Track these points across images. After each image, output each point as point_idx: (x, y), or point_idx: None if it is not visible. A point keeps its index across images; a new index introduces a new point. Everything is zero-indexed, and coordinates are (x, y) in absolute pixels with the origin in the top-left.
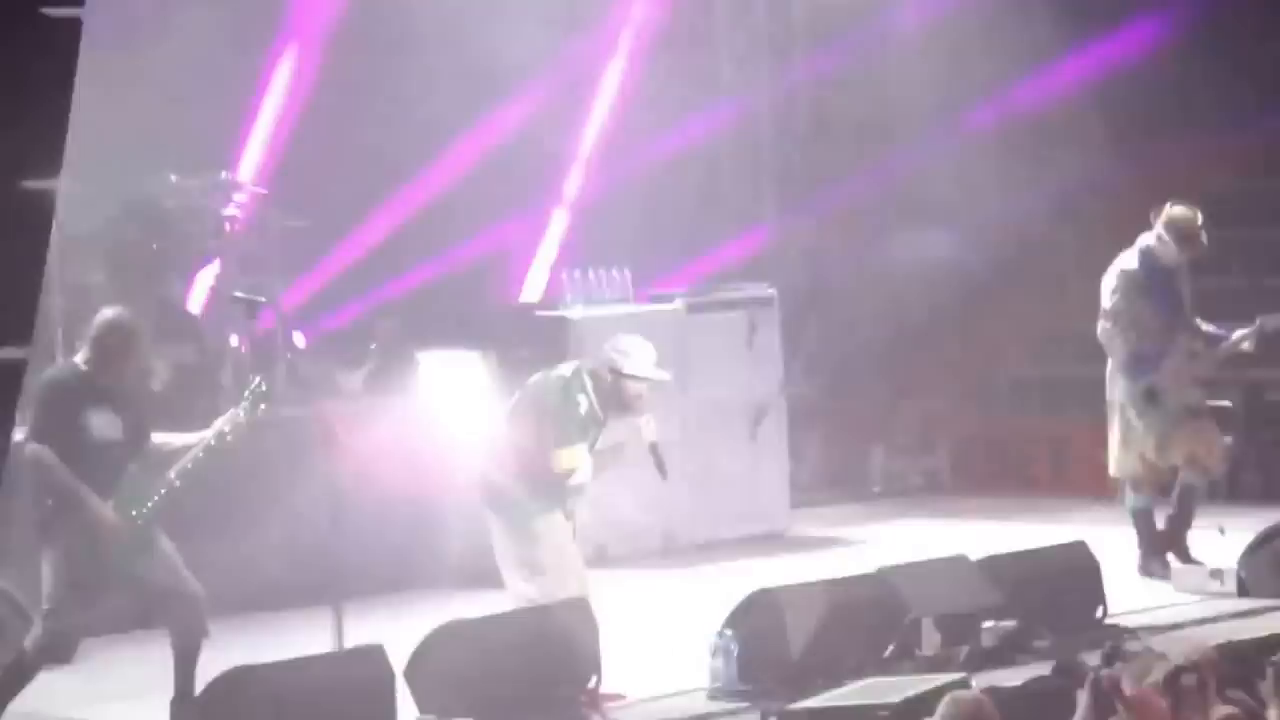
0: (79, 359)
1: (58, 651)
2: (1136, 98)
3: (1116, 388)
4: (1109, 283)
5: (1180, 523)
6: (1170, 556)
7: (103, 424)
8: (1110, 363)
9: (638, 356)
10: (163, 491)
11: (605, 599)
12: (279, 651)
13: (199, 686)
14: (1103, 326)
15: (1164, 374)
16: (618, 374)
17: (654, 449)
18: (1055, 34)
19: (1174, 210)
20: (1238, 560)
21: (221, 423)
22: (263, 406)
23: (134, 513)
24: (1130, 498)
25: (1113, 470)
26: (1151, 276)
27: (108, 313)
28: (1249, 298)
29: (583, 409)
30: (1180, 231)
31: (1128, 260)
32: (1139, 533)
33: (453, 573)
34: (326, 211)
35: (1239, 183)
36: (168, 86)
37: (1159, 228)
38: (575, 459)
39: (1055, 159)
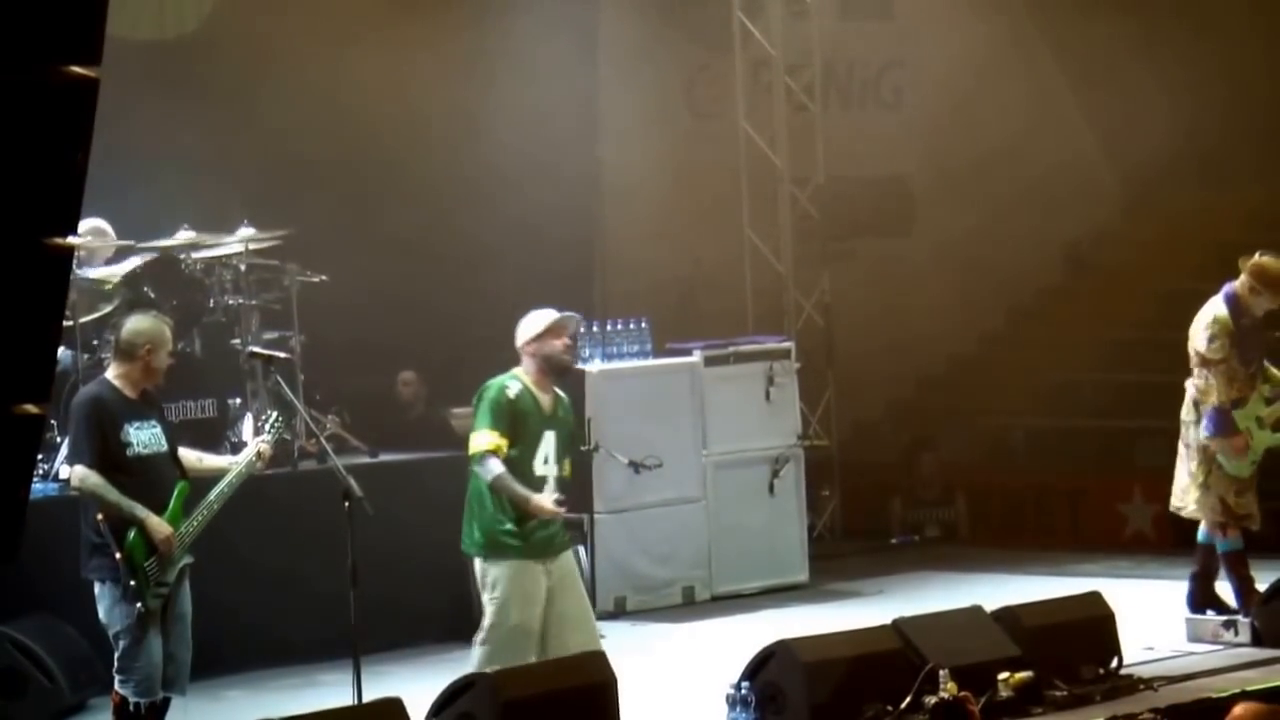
0: (109, 374)
1: (152, 688)
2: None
3: (1197, 431)
4: (1203, 331)
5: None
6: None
7: (145, 437)
8: (1189, 405)
9: (533, 319)
10: (203, 514)
11: (624, 650)
12: (298, 705)
13: None
14: (1200, 375)
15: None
16: (533, 346)
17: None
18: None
19: (1265, 259)
20: (1252, 610)
21: (250, 451)
22: (284, 437)
23: (180, 530)
24: (1221, 541)
25: (1176, 504)
26: (1240, 324)
27: (131, 320)
28: None
29: (512, 393)
30: (1274, 281)
31: (1218, 307)
32: (1234, 575)
33: (472, 626)
34: (344, 265)
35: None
36: (185, 140)
37: (1248, 277)
38: (487, 441)
39: (1068, 210)
